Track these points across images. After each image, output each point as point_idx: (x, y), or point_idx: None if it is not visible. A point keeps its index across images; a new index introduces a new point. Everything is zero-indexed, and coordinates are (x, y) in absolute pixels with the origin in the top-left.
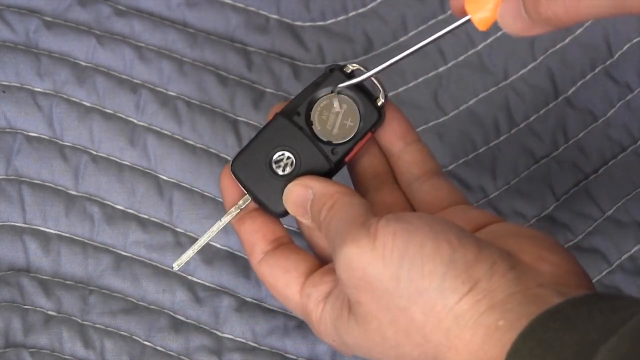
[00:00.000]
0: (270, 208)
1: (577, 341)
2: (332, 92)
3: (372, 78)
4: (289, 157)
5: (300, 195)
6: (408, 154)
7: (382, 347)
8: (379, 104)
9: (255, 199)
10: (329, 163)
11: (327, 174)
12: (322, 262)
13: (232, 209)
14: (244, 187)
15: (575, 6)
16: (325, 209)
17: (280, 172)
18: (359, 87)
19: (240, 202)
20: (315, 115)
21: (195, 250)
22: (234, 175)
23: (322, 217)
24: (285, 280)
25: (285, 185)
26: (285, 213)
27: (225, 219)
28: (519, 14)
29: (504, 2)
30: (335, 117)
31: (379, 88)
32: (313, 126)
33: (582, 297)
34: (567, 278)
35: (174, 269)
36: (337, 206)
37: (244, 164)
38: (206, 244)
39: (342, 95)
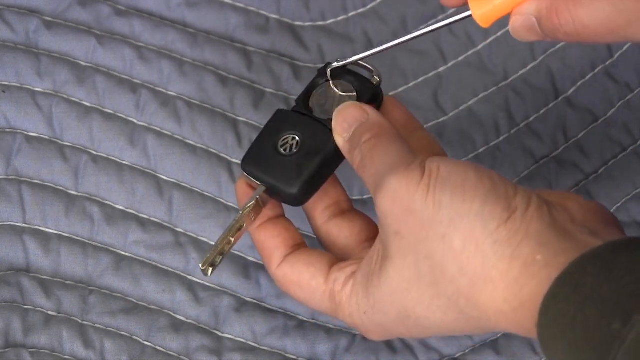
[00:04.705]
0: (285, 190)
1: (615, 291)
2: (326, 80)
3: (361, 62)
4: (293, 138)
5: (355, 115)
6: (414, 141)
7: (418, 286)
8: (374, 83)
9: (269, 185)
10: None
11: (334, 146)
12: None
13: (249, 204)
14: (256, 178)
15: (593, 40)
16: (371, 133)
17: (288, 153)
18: (352, 73)
19: (255, 193)
20: (313, 102)
21: (226, 254)
22: (245, 172)
23: (364, 140)
24: (310, 273)
25: (295, 163)
26: (300, 196)
27: (244, 213)
28: (534, 30)
29: (517, 15)
30: (333, 100)
31: (371, 72)
32: (314, 113)
33: (619, 242)
34: (594, 217)
35: (207, 275)
36: (384, 136)
37: (252, 158)
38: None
39: (338, 81)
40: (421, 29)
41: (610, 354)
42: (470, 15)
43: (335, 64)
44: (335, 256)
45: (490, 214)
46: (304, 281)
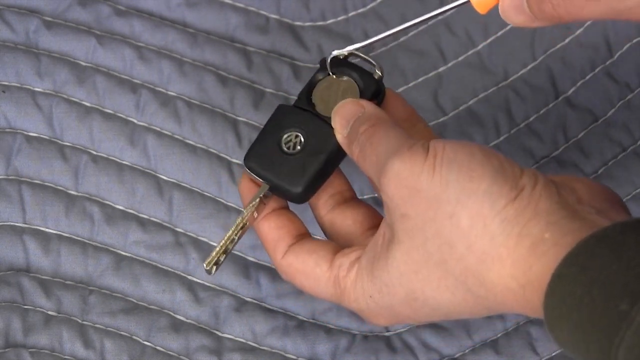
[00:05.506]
0: (289, 189)
1: (624, 272)
2: (328, 74)
3: (363, 55)
4: (297, 136)
5: (352, 110)
6: (416, 134)
7: (427, 267)
8: (376, 77)
9: (273, 184)
10: None
11: (337, 145)
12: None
13: (253, 202)
14: (259, 177)
15: (576, 11)
16: (368, 124)
17: (291, 151)
18: (354, 67)
19: (258, 191)
20: (316, 98)
21: (229, 252)
22: (249, 169)
23: (361, 131)
24: (314, 260)
25: (300, 162)
26: (304, 195)
27: (248, 212)
28: (522, 9)
29: None
30: (335, 95)
31: (373, 66)
32: (316, 108)
33: (628, 223)
34: (600, 198)
35: (211, 273)
36: (381, 124)
37: (255, 156)
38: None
39: (340, 75)
40: (421, 16)
41: (617, 336)
42: (468, 1)
43: (336, 52)
44: (339, 245)
45: (498, 192)
46: (309, 269)
